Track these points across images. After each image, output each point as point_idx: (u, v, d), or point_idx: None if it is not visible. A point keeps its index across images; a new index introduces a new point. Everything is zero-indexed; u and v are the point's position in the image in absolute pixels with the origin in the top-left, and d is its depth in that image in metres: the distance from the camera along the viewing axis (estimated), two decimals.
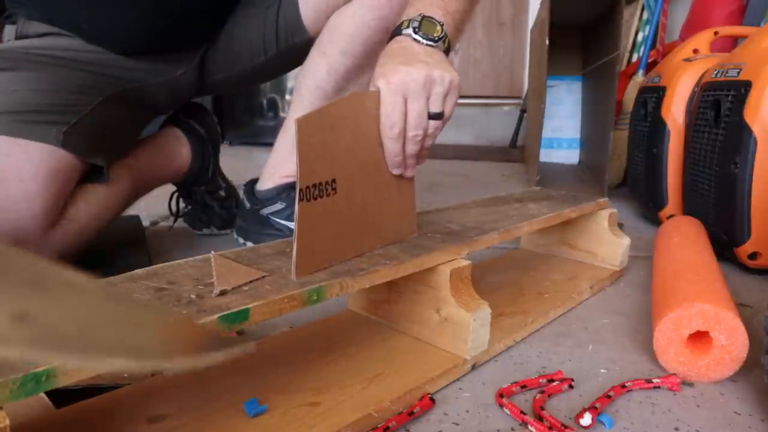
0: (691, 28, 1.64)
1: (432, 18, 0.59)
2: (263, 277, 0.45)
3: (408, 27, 0.59)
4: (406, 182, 0.59)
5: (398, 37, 0.59)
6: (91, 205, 0.76)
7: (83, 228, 0.74)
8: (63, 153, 0.70)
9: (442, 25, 0.59)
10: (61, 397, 0.45)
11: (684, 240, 0.79)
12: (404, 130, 0.55)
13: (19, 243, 0.66)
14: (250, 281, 0.44)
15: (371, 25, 0.82)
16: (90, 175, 0.77)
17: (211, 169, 1.07)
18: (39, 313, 0.15)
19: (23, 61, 0.75)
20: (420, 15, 0.59)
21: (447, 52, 0.60)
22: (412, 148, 0.56)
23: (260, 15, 0.91)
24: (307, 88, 0.89)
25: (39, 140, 0.69)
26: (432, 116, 0.56)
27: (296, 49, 0.91)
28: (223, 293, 0.41)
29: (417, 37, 0.58)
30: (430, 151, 0.59)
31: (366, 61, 0.85)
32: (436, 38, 0.58)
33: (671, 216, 1.10)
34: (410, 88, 0.54)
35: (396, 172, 0.57)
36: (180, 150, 1.01)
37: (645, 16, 2.05)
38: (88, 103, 0.77)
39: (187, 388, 0.48)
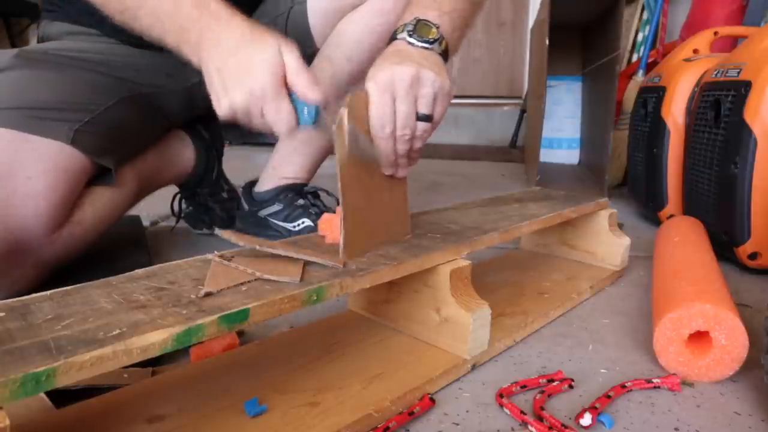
0: (691, 28, 1.64)
1: (427, 21, 0.59)
2: (255, 279, 0.45)
3: (403, 31, 0.58)
4: (398, 183, 0.59)
5: (394, 42, 0.59)
6: (98, 208, 0.76)
7: (88, 231, 0.74)
8: (72, 151, 0.70)
9: (437, 28, 0.59)
10: (61, 397, 0.46)
11: (684, 240, 0.79)
12: (395, 129, 0.55)
13: (21, 243, 0.65)
14: (240, 283, 0.44)
15: (377, 31, 0.82)
16: (97, 177, 0.77)
17: (215, 172, 1.07)
18: None
19: (41, 61, 0.75)
20: (415, 18, 0.59)
21: (445, 54, 0.60)
22: (402, 147, 0.55)
23: (268, 26, 0.90)
24: None
25: (49, 137, 0.68)
26: (420, 117, 0.55)
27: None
28: (208, 295, 0.41)
29: (411, 40, 0.58)
30: (421, 153, 0.59)
31: (369, 66, 0.85)
32: (431, 40, 0.58)
33: (671, 216, 1.10)
34: (397, 87, 0.53)
35: (388, 172, 0.57)
36: (185, 153, 1.01)
37: (645, 16, 2.05)
38: (102, 103, 0.76)
39: (187, 388, 0.48)
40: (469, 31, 0.68)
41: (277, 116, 0.54)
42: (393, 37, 0.60)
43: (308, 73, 0.54)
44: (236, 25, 0.56)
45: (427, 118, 0.56)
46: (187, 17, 0.57)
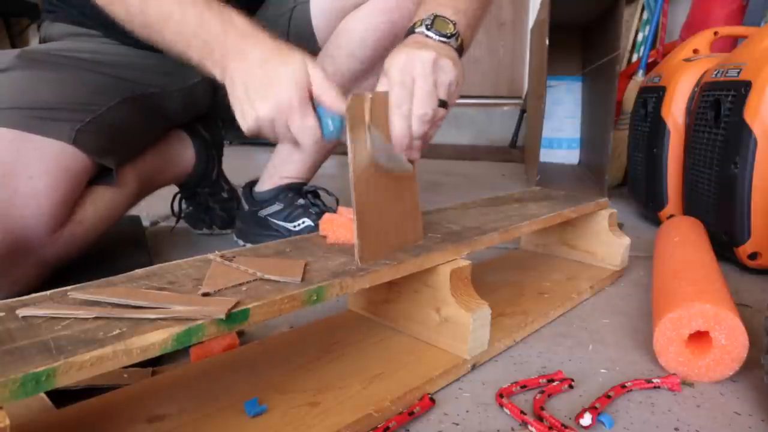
0: (691, 28, 1.64)
1: (444, 17, 0.60)
2: (255, 280, 0.45)
3: (421, 26, 0.59)
4: (409, 188, 0.58)
5: (411, 36, 0.60)
6: (99, 207, 0.76)
7: (89, 230, 0.74)
8: (74, 151, 0.70)
9: (454, 24, 0.60)
10: (61, 397, 0.46)
11: (684, 240, 0.79)
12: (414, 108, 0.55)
13: (23, 243, 0.65)
14: (239, 284, 0.44)
15: (380, 29, 0.82)
16: (98, 177, 0.77)
17: (215, 171, 1.07)
18: None
19: (43, 62, 0.75)
20: (432, 14, 0.60)
21: (460, 50, 0.61)
22: (417, 128, 0.55)
23: (270, 25, 0.90)
24: None
25: (51, 136, 0.68)
26: (438, 103, 0.56)
27: None
28: (205, 295, 0.41)
29: (429, 33, 0.59)
30: (429, 140, 0.59)
31: (372, 65, 0.85)
32: (449, 35, 0.59)
33: (671, 216, 1.10)
34: (417, 67, 0.54)
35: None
36: (185, 153, 1.01)
37: (645, 16, 2.05)
38: (103, 103, 0.76)
39: (187, 388, 0.48)
40: (478, 32, 0.69)
41: (303, 128, 0.55)
42: (410, 32, 0.60)
43: (334, 86, 0.55)
44: (262, 40, 0.57)
45: (443, 104, 0.56)
46: (212, 33, 0.58)
